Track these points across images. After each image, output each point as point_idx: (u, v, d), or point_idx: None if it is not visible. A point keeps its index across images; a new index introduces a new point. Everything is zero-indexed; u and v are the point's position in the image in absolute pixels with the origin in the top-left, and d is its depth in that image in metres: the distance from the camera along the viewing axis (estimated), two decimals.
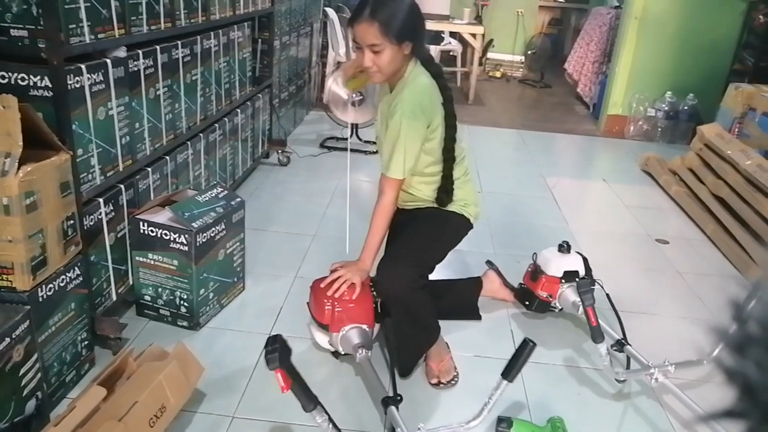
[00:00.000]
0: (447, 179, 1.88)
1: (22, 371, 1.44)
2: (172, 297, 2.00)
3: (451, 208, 1.92)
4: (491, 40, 7.08)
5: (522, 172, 4.05)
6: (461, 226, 1.95)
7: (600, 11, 5.78)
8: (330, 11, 4.43)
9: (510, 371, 1.48)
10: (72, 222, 1.63)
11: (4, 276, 1.47)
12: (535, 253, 2.25)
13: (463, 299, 2.25)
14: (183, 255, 1.93)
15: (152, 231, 1.93)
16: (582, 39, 6.01)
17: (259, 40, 3.39)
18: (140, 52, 1.93)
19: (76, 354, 1.72)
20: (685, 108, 4.74)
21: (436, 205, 1.91)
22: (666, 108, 4.77)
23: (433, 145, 1.81)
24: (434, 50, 6.25)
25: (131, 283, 2.04)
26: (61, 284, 1.61)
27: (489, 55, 7.30)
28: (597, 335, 1.69)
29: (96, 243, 1.81)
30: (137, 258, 1.98)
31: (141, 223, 1.93)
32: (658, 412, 1.84)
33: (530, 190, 3.65)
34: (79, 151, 1.66)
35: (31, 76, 1.53)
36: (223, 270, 2.10)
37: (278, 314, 2.17)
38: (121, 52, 1.82)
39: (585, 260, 2.23)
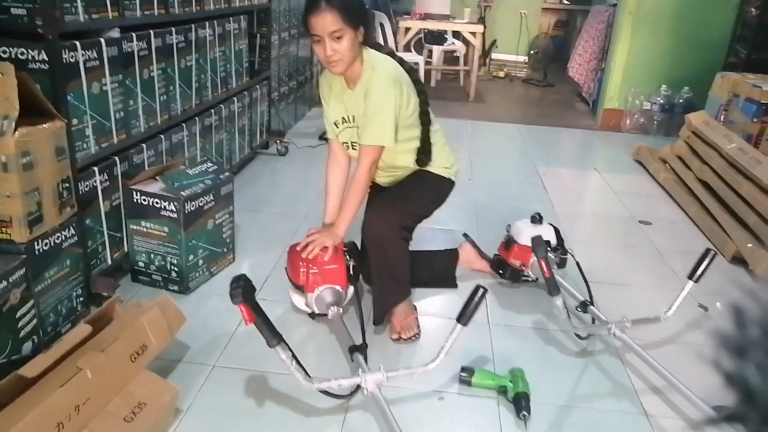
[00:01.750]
0: (425, 141, 2.02)
1: (18, 314, 1.58)
2: (163, 263, 2.14)
3: (432, 170, 2.06)
4: (494, 41, 7.21)
5: (514, 162, 4.16)
6: (444, 184, 2.10)
7: (599, 9, 5.87)
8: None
9: (463, 315, 1.59)
10: (67, 185, 1.78)
11: (3, 229, 1.62)
12: (508, 224, 2.36)
13: (440, 269, 2.36)
14: (173, 222, 2.07)
15: (144, 200, 2.07)
16: (581, 39, 6.11)
17: (258, 34, 3.55)
18: (134, 34, 2.09)
19: (71, 308, 1.87)
20: (681, 101, 4.81)
21: (417, 168, 2.05)
22: (661, 101, 4.84)
23: (409, 112, 1.94)
24: (437, 50, 6.40)
25: (126, 250, 2.18)
26: (57, 241, 1.76)
27: (493, 55, 7.43)
28: (552, 288, 1.79)
29: (91, 209, 1.96)
30: (131, 226, 2.13)
31: (134, 192, 2.08)
32: (618, 368, 1.93)
33: (520, 177, 3.76)
34: (74, 121, 1.82)
35: (30, 51, 1.69)
36: (212, 239, 2.23)
37: (264, 282, 2.30)
38: (115, 33, 1.98)
39: (557, 231, 2.33)
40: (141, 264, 2.17)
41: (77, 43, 1.79)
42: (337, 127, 2.03)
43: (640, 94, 4.90)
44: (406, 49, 5.74)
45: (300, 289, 2.00)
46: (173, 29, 2.36)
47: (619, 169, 4.05)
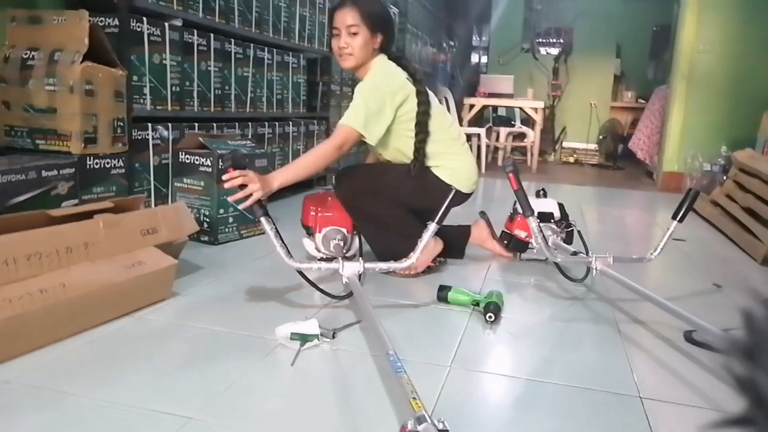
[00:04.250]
0: (418, 152, 2.05)
1: (63, 204, 1.92)
2: (198, 215, 2.44)
3: (434, 170, 2.10)
4: (564, 128, 7.46)
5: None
6: (436, 185, 2.06)
7: (662, 88, 6.03)
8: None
9: (436, 216, 1.73)
10: (122, 125, 2.18)
11: (64, 142, 2.01)
12: (515, 200, 2.48)
13: (449, 240, 2.49)
14: (208, 176, 2.39)
15: (188, 159, 2.43)
16: (644, 116, 6.24)
17: (320, 82, 4.05)
18: (195, 30, 2.57)
19: None
20: None
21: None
22: (722, 162, 4.80)
23: (410, 117, 2.02)
24: (504, 132, 6.73)
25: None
26: (107, 165, 2.12)
27: (564, 144, 7.65)
28: (525, 208, 1.89)
29: (142, 156, 2.34)
30: (176, 184, 2.48)
31: (180, 153, 2.45)
32: (605, 308, 1.94)
33: None
34: (135, 78, 2.25)
35: (106, 18, 2.18)
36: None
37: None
38: (177, 22, 2.45)
39: (561, 206, 2.43)
40: None
41: (144, 18, 2.26)
42: None
43: (699, 155, 4.90)
44: (470, 124, 6.11)
45: (309, 230, 2.22)
46: (232, 40, 2.84)
47: (666, 212, 4.01)
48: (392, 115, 1.98)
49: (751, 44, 4.79)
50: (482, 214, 2.64)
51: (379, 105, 1.95)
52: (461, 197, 2.17)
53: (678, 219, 1.98)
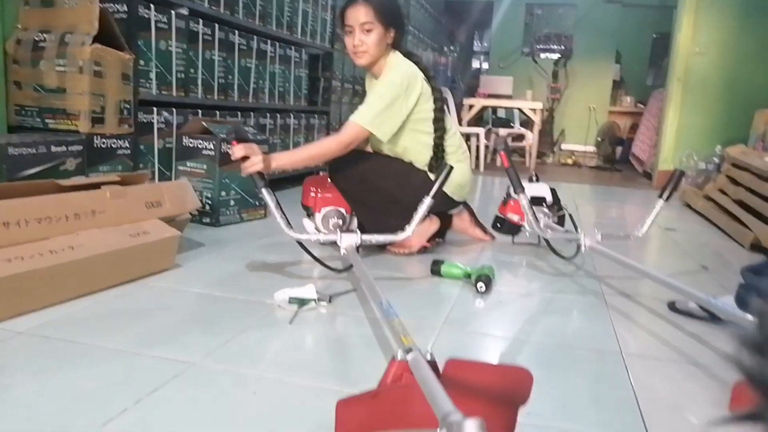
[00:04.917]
0: (438, 147, 2.11)
1: (72, 179, 1.99)
2: (200, 198, 2.51)
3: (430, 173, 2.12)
4: (562, 131, 7.54)
5: None
6: (424, 187, 1.88)
7: (659, 91, 6.12)
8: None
9: (431, 190, 1.80)
10: (128, 107, 2.26)
11: (72, 121, 2.09)
12: (509, 185, 2.55)
13: None
14: (210, 159, 2.47)
15: (191, 143, 2.51)
16: (643, 119, 6.33)
17: (322, 78, 4.14)
18: (200, 19, 2.65)
19: None
20: None
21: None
22: (717, 161, 4.86)
23: (423, 116, 2.07)
24: (503, 132, 6.81)
25: None
26: (113, 145, 2.20)
27: (562, 146, 7.73)
28: (516, 185, 1.96)
29: (147, 138, 2.42)
30: (179, 168, 2.55)
31: (184, 137, 2.52)
32: (593, 284, 2.01)
33: None
34: (141, 62, 2.33)
35: (115, 4, 2.26)
36: (244, 186, 2.59)
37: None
38: (184, 10, 2.54)
39: (554, 191, 2.50)
40: None
41: (151, 5, 2.34)
42: None
43: (694, 155, 4.97)
44: (469, 125, 6.19)
45: (309, 211, 2.29)
46: (236, 31, 2.93)
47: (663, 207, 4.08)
48: (406, 113, 2.01)
49: (746, 47, 4.87)
50: (464, 204, 2.70)
51: (393, 103, 1.97)
52: (451, 203, 2.24)
53: (664, 198, 2.04)
